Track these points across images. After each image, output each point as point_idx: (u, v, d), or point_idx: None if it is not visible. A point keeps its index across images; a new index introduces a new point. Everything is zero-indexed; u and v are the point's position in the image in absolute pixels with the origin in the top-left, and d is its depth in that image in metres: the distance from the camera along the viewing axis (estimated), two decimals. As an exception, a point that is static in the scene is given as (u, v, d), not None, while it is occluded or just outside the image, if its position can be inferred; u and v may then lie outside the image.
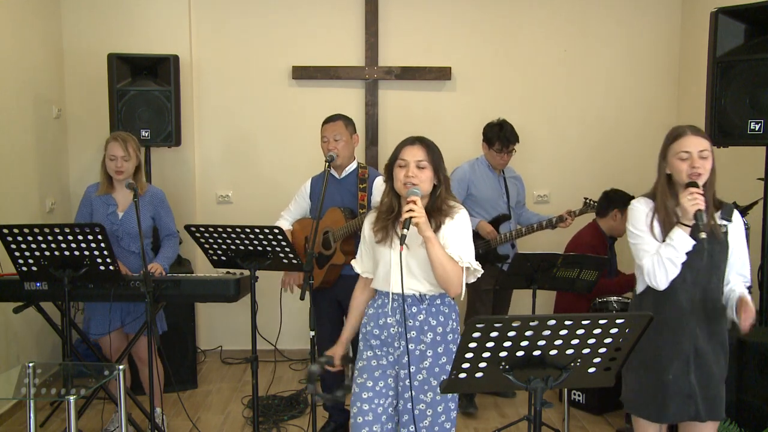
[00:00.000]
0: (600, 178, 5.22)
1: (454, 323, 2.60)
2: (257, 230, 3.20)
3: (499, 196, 4.33)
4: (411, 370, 2.51)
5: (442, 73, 5.25)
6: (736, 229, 2.64)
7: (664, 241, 2.57)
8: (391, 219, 2.58)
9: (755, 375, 3.18)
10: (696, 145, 2.55)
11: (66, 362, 3.45)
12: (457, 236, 2.52)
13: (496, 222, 4.26)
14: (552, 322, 1.76)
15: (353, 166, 3.74)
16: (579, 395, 4.26)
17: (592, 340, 1.81)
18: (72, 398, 2.58)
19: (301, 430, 4.02)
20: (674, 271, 2.55)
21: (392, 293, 2.55)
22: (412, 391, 2.51)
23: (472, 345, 1.77)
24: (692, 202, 2.48)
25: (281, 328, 4.12)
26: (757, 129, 3.38)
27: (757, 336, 3.25)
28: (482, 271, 2.57)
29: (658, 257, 2.55)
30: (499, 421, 4.10)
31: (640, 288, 2.71)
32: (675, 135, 2.61)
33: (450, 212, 2.54)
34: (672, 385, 2.60)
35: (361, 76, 5.25)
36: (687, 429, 2.72)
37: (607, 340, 1.83)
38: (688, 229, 2.52)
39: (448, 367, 2.54)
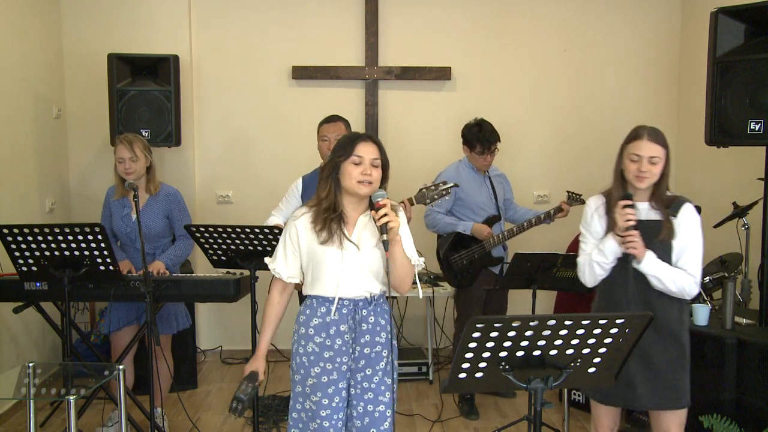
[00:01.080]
0: (600, 178, 5.20)
1: (390, 318, 2.58)
2: (257, 230, 3.20)
3: (487, 198, 4.26)
4: (368, 373, 2.50)
5: (442, 73, 5.25)
6: (681, 224, 2.64)
7: (606, 231, 2.67)
8: (335, 218, 2.44)
9: (755, 375, 3.18)
10: (648, 150, 2.60)
11: (66, 362, 3.45)
12: (406, 235, 2.52)
13: (487, 223, 4.20)
14: (552, 322, 1.76)
15: None
16: (579, 395, 4.26)
17: (592, 340, 1.82)
18: (72, 398, 2.57)
19: (301, 430, 4.02)
20: (602, 274, 2.68)
21: (343, 299, 2.45)
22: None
23: (472, 345, 1.77)
24: (624, 217, 2.59)
25: (285, 327, 4.10)
26: (757, 129, 3.37)
27: (757, 336, 3.25)
28: (423, 266, 2.55)
29: (588, 259, 2.69)
30: (499, 421, 4.10)
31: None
32: (633, 136, 2.67)
33: (396, 211, 2.49)
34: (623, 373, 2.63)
35: (361, 76, 5.25)
36: (653, 416, 2.76)
37: (607, 340, 1.83)
38: (619, 238, 2.60)
39: (396, 363, 2.56)
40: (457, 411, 4.27)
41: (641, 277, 2.63)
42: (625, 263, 2.65)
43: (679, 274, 2.60)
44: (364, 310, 2.49)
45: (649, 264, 2.58)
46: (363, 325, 2.49)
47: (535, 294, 3.63)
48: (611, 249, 2.63)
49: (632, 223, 2.56)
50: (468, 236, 4.16)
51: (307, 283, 2.53)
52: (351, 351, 2.50)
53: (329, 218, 2.43)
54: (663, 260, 2.61)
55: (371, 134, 2.57)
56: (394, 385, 2.52)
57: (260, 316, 3.39)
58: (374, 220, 2.38)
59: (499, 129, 4.25)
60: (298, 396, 2.57)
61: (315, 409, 2.49)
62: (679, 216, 2.64)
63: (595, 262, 2.66)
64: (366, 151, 2.43)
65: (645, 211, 2.66)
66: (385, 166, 2.48)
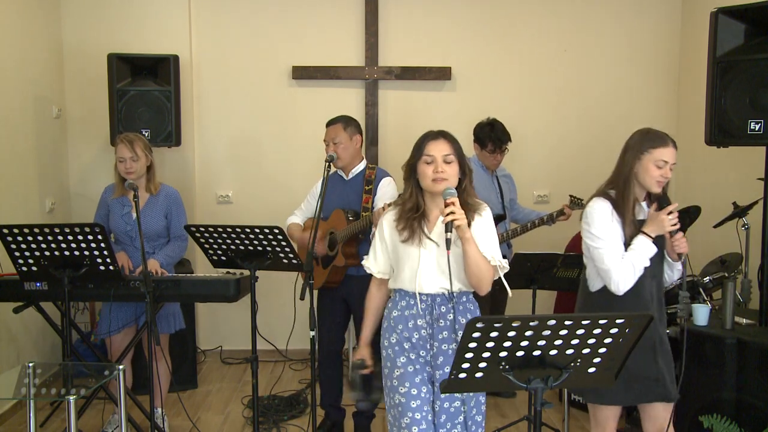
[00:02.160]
0: (600, 178, 5.18)
1: None
2: (257, 230, 3.20)
3: (494, 197, 4.29)
4: (446, 370, 2.47)
5: (442, 73, 5.25)
6: None
7: (625, 240, 2.63)
8: (417, 217, 2.51)
9: (755, 375, 3.18)
10: (673, 157, 2.66)
11: (66, 362, 3.44)
12: (486, 234, 2.51)
13: None
14: (552, 322, 1.76)
15: (360, 167, 3.73)
16: (579, 395, 4.26)
17: (592, 340, 1.81)
18: (72, 398, 2.57)
19: (301, 430, 4.02)
20: (638, 277, 2.63)
21: (421, 294, 2.50)
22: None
23: (472, 345, 1.77)
24: (672, 222, 2.59)
25: (285, 327, 4.10)
26: (757, 129, 3.37)
27: (757, 336, 3.25)
28: (508, 269, 2.54)
29: (628, 265, 2.60)
30: (499, 421, 4.10)
31: (596, 286, 2.73)
32: (659, 142, 2.66)
33: (477, 208, 2.52)
34: (636, 370, 2.62)
35: (361, 76, 5.25)
36: (650, 411, 2.76)
37: (607, 340, 1.83)
38: (651, 238, 2.60)
39: None
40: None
41: (658, 276, 2.71)
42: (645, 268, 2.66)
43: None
44: (442, 307, 2.51)
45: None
46: (441, 321, 2.51)
47: (535, 294, 3.63)
48: (648, 249, 2.60)
49: (678, 226, 2.60)
50: None
51: (393, 277, 2.60)
52: (429, 347, 2.51)
53: (411, 217, 2.51)
54: (661, 254, 2.69)
55: (444, 131, 2.57)
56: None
57: (260, 317, 3.40)
58: (443, 218, 2.39)
59: (499, 129, 4.26)
60: (389, 391, 2.58)
61: (404, 402, 2.50)
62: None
63: (637, 267, 2.59)
64: (436, 149, 2.49)
65: (645, 211, 2.70)
66: (461, 160, 2.51)
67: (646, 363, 2.66)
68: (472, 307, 2.58)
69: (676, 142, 2.69)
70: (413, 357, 2.53)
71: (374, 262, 2.66)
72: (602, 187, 2.76)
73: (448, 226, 2.34)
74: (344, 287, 3.67)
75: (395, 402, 2.54)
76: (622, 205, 2.65)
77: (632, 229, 2.64)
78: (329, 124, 3.74)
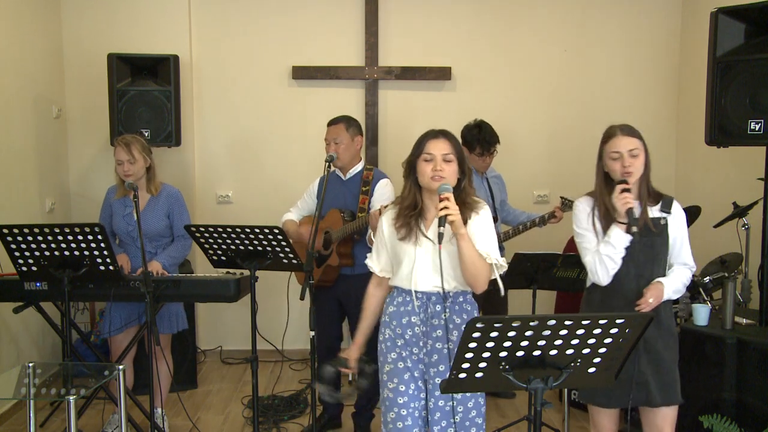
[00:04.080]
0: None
1: None
2: (257, 230, 3.20)
3: (484, 199, 4.26)
4: (440, 369, 2.49)
5: (442, 73, 5.25)
6: (675, 220, 2.73)
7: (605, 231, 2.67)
8: (415, 215, 2.52)
9: (755, 375, 3.18)
10: (625, 145, 2.67)
11: (66, 362, 3.45)
12: (484, 232, 2.51)
13: None
14: (552, 322, 1.76)
15: (358, 167, 3.74)
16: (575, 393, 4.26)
17: (592, 340, 1.81)
18: (72, 398, 2.58)
19: (302, 428, 4.02)
20: (614, 267, 2.65)
21: (416, 291, 2.51)
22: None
23: (472, 345, 1.77)
24: (622, 201, 2.60)
25: (284, 327, 4.11)
26: (757, 129, 3.37)
27: (757, 336, 3.25)
28: (506, 267, 2.54)
29: (598, 255, 2.65)
30: (499, 421, 4.10)
31: (589, 282, 2.78)
32: (607, 136, 2.74)
33: (475, 207, 2.53)
34: (625, 373, 2.62)
35: (361, 76, 5.25)
36: (647, 415, 2.77)
37: (607, 340, 1.83)
38: (624, 226, 2.61)
39: None
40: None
41: (647, 275, 2.68)
42: (628, 264, 2.66)
43: (683, 274, 2.71)
44: (437, 305, 2.51)
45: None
46: (435, 320, 2.51)
47: (535, 294, 3.63)
48: (618, 238, 2.61)
49: (631, 205, 2.59)
50: None
51: (392, 275, 2.62)
52: (422, 344, 2.53)
53: (409, 215, 2.53)
54: (661, 255, 2.69)
55: (444, 130, 2.58)
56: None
57: (260, 317, 3.40)
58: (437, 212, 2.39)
59: (498, 129, 4.25)
60: (381, 386, 2.62)
61: (392, 397, 2.53)
62: (673, 212, 2.72)
63: (606, 255, 2.63)
64: (436, 147, 2.50)
65: (639, 211, 2.69)
66: (461, 160, 2.52)
67: (629, 366, 2.61)
68: (469, 308, 2.58)
69: (634, 129, 2.71)
70: (404, 354, 2.55)
71: (376, 260, 2.68)
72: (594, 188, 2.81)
73: (441, 221, 2.34)
74: (338, 287, 3.68)
75: (384, 396, 2.58)
76: (600, 207, 2.70)
77: (608, 226, 2.66)
78: (331, 123, 3.74)
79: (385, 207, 2.85)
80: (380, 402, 2.64)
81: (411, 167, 2.54)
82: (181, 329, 3.83)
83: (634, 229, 2.57)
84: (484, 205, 2.57)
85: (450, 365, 2.47)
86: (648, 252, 2.67)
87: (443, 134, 2.55)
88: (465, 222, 2.43)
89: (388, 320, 2.60)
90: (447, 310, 2.51)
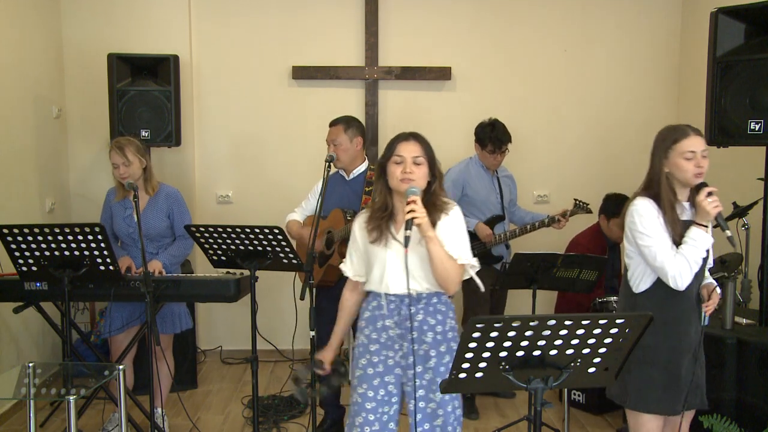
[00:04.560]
0: (600, 178, 5.22)
1: (453, 321, 2.59)
2: (257, 230, 3.20)
3: (493, 197, 4.31)
4: (417, 370, 2.49)
5: (442, 73, 5.25)
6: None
7: (674, 240, 2.59)
8: (385, 217, 2.53)
9: (755, 375, 3.18)
10: (699, 145, 2.61)
11: (66, 362, 3.45)
12: (454, 233, 2.51)
13: (490, 223, 4.24)
14: (552, 322, 1.76)
15: (362, 167, 3.74)
16: (579, 395, 4.26)
17: (592, 340, 1.81)
18: (72, 398, 2.57)
19: (301, 427, 4.02)
20: (696, 271, 2.59)
21: (389, 295, 2.51)
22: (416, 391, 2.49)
23: (472, 345, 1.77)
24: (713, 204, 2.54)
25: (285, 327, 4.10)
26: (757, 129, 3.38)
27: (757, 336, 3.26)
28: (478, 267, 2.55)
29: (683, 258, 2.56)
30: (499, 421, 4.10)
31: (643, 286, 2.70)
32: (678, 135, 2.63)
33: (445, 208, 2.52)
34: (684, 378, 2.65)
35: (361, 76, 5.25)
36: (676, 417, 2.75)
37: (607, 340, 1.83)
38: (705, 228, 2.56)
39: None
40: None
41: (701, 278, 2.70)
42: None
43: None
44: (411, 307, 2.50)
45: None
46: (408, 322, 2.50)
47: (535, 294, 3.63)
48: (705, 240, 2.56)
49: (721, 208, 2.55)
50: (470, 232, 4.19)
51: (367, 279, 2.61)
52: (398, 347, 2.53)
53: (380, 217, 2.52)
54: (707, 255, 2.67)
55: (415, 133, 2.58)
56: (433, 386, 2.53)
57: (260, 317, 3.40)
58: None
59: (498, 129, 4.26)
60: (352, 389, 2.62)
61: (360, 402, 2.54)
62: None
63: (693, 260, 2.56)
64: (406, 150, 2.49)
65: (688, 211, 2.66)
66: (431, 163, 2.52)
67: (689, 370, 2.66)
68: (443, 308, 2.57)
69: (700, 131, 2.66)
70: (376, 360, 2.54)
71: (349, 265, 2.68)
72: (640, 190, 2.71)
73: (408, 224, 2.35)
74: (340, 287, 3.66)
75: (353, 400, 2.59)
76: (665, 205, 2.61)
77: (677, 228, 2.59)
78: (331, 124, 3.75)
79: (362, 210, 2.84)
80: (350, 403, 2.63)
81: (382, 169, 2.54)
82: (185, 329, 3.82)
83: (728, 233, 2.54)
84: (455, 206, 2.57)
85: (426, 366, 2.49)
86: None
87: (414, 137, 2.55)
88: (434, 224, 2.45)
89: (363, 325, 2.60)
90: (421, 312, 2.51)
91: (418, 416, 2.52)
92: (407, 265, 2.37)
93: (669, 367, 2.66)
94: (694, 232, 2.57)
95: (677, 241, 2.59)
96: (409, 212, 2.35)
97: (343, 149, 3.64)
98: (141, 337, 3.69)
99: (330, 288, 3.70)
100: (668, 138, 2.64)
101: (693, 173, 2.59)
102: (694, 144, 2.60)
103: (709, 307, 2.65)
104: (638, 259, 2.69)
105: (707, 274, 2.77)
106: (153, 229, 3.65)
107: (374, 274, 2.55)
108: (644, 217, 2.62)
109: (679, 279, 2.57)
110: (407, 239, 2.33)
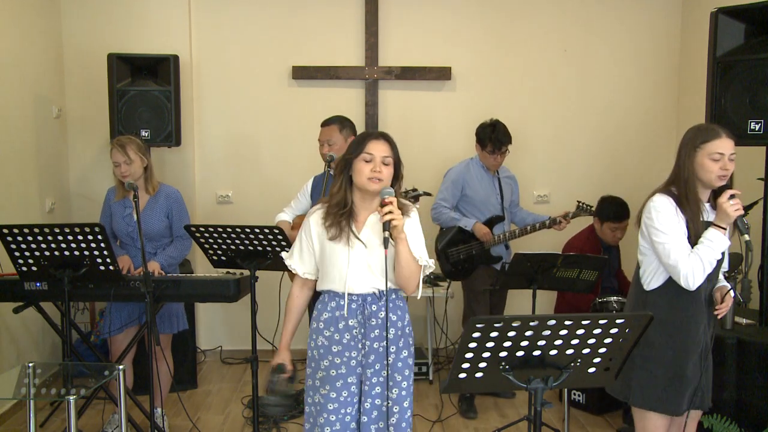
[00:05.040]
0: (600, 178, 5.23)
1: (408, 316, 2.60)
2: (257, 230, 3.20)
3: (493, 197, 4.32)
4: (376, 368, 2.50)
5: (442, 73, 5.25)
6: None
7: (690, 238, 2.57)
8: (345, 214, 2.48)
9: (755, 375, 3.18)
10: (729, 147, 2.58)
11: (66, 362, 3.44)
12: (416, 235, 2.52)
13: (489, 223, 4.24)
14: (552, 322, 1.76)
15: None
16: (579, 395, 4.26)
17: (592, 340, 1.82)
18: (72, 398, 2.57)
19: (301, 428, 4.02)
20: (709, 272, 2.57)
21: (351, 294, 2.48)
22: (389, 390, 2.51)
23: (472, 345, 1.77)
24: (735, 207, 2.52)
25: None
26: (757, 129, 3.38)
27: (757, 336, 3.25)
28: (433, 268, 2.56)
29: (697, 258, 2.54)
30: (499, 421, 4.10)
31: (654, 284, 2.69)
32: (710, 135, 2.59)
33: (406, 210, 2.51)
34: (689, 378, 2.65)
35: (361, 76, 5.25)
36: (681, 418, 2.74)
37: (607, 340, 1.83)
38: (723, 230, 2.54)
39: (411, 361, 2.58)
40: (457, 411, 4.27)
41: (714, 280, 2.68)
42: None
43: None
44: (373, 306, 2.50)
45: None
46: (372, 320, 2.50)
47: (535, 294, 3.63)
48: (722, 242, 2.54)
49: (742, 212, 2.54)
50: (469, 232, 4.22)
51: (320, 278, 2.57)
52: (361, 346, 2.51)
53: (339, 214, 2.47)
54: (722, 257, 2.64)
55: (385, 132, 2.55)
56: (405, 382, 2.54)
57: (260, 317, 3.40)
58: (381, 216, 2.38)
59: (499, 129, 4.26)
60: (310, 389, 2.59)
61: (323, 403, 2.51)
62: None
63: (708, 261, 2.54)
64: (377, 149, 2.45)
65: (708, 213, 2.65)
66: (397, 165, 2.50)
67: (696, 371, 2.66)
68: (401, 304, 2.59)
69: (731, 134, 2.62)
70: (338, 361, 2.51)
71: (299, 262, 2.59)
72: (661, 187, 2.68)
73: (386, 226, 2.34)
74: None
75: (315, 401, 2.55)
76: (686, 204, 2.59)
77: (699, 228, 2.57)
78: (324, 124, 3.75)
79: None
80: (308, 405, 2.60)
81: (347, 164, 2.49)
82: (182, 329, 3.83)
83: (747, 237, 2.52)
84: (413, 208, 2.58)
85: (384, 363, 2.48)
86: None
87: (384, 137, 2.52)
88: None
89: (322, 327, 2.54)
90: (385, 310, 2.49)
91: (374, 413, 2.51)
92: (387, 265, 2.40)
93: (673, 366, 2.65)
94: (711, 233, 2.55)
95: (694, 242, 2.57)
96: (386, 213, 2.34)
97: (338, 149, 3.65)
98: (140, 338, 3.69)
99: None
100: (698, 137, 2.61)
101: (717, 175, 2.56)
102: (724, 146, 2.57)
103: (721, 310, 2.63)
104: (651, 256, 2.68)
105: (721, 276, 2.75)
106: (152, 228, 3.65)
107: (332, 274, 2.49)
108: (661, 213, 2.59)
109: (691, 278, 2.55)
110: (387, 240, 2.33)
